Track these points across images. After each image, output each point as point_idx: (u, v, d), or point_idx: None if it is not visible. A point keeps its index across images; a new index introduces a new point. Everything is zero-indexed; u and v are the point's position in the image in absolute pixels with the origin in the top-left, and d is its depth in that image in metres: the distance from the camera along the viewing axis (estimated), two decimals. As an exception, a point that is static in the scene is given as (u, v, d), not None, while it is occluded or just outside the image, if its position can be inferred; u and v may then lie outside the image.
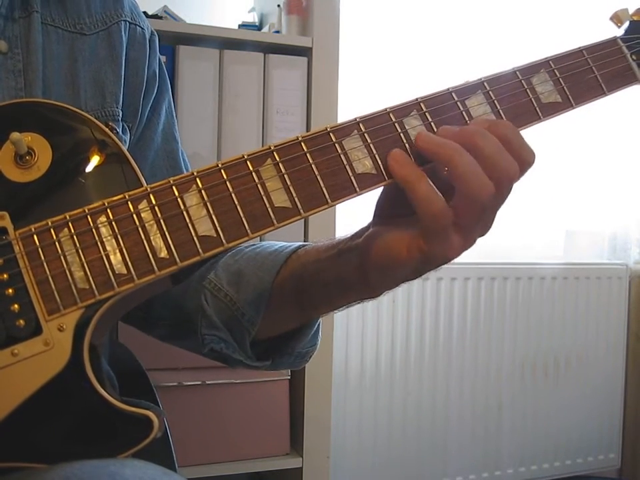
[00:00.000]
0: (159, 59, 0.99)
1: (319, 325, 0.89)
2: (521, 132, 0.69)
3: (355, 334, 2.20)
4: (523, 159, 0.67)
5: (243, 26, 1.96)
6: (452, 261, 0.68)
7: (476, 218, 0.65)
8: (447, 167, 0.64)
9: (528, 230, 2.56)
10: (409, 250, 0.66)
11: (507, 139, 0.66)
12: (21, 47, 0.84)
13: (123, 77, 0.92)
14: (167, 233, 0.62)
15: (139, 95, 0.94)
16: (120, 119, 0.91)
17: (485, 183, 0.64)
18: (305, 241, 1.69)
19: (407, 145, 0.67)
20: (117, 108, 0.90)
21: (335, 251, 0.77)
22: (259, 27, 2.04)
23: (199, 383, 1.75)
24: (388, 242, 0.68)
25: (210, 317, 0.87)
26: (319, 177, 0.64)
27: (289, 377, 1.86)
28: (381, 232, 0.70)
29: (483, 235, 0.69)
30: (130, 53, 0.93)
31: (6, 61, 0.82)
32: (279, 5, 1.89)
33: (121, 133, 0.91)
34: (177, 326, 0.92)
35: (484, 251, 2.45)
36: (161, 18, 1.76)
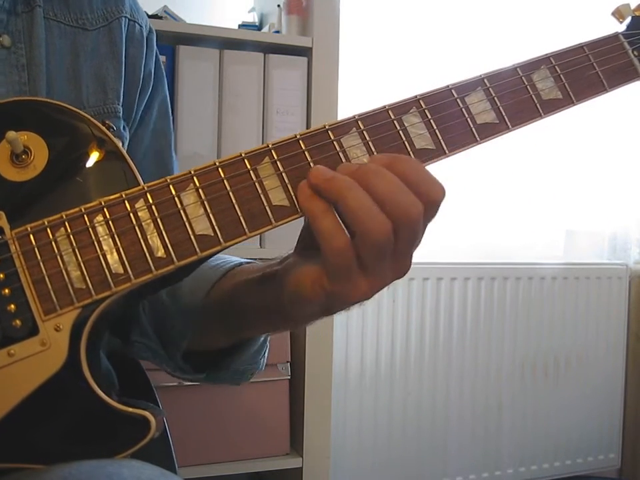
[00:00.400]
0: (157, 56, 0.99)
1: (262, 345, 0.87)
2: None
3: (355, 334, 2.20)
4: (427, 197, 0.62)
5: (243, 26, 1.96)
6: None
7: (376, 258, 0.61)
8: (337, 202, 0.61)
9: (528, 230, 2.56)
10: (312, 286, 0.63)
11: (405, 176, 0.61)
12: (24, 41, 0.83)
13: (123, 73, 0.91)
14: (163, 232, 0.61)
15: (134, 93, 0.93)
16: (121, 115, 0.90)
17: (379, 220, 0.60)
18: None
19: (405, 143, 0.67)
20: (118, 104, 0.90)
21: (261, 274, 0.75)
22: (259, 27, 2.04)
23: (198, 383, 1.74)
24: (297, 275, 0.66)
25: (143, 324, 0.87)
26: None
27: (289, 377, 1.86)
28: (296, 263, 0.68)
29: (398, 277, 0.65)
30: (128, 50, 0.93)
31: (9, 55, 0.82)
32: (278, 5, 1.89)
33: (122, 130, 0.90)
34: (117, 330, 0.92)
35: (484, 250, 2.45)
36: (161, 18, 1.76)
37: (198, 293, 0.83)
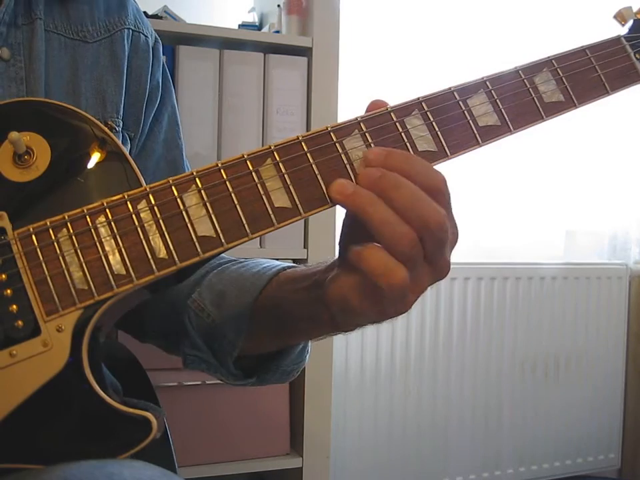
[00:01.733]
0: (164, 66, 0.98)
1: (306, 342, 0.87)
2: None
3: (355, 334, 2.19)
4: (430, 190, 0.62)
5: (243, 26, 1.96)
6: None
7: (409, 267, 0.61)
8: (359, 217, 0.61)
9: (528, 230, 2.56)
10: (360, 301, 0.64)
11: (403, 172, 0.62)
12: (23, 54, 0.83)
13: (124, 86, 0.91)
14: (166, 233, 0.61)
15: (141, 104, 0.93)
16: (120, 129, 0.90)
17: (403, 232, 0.60)
18: (304, 242, 1.70)
19: (407, 145, 0.67)
20: (118, 118, 0.90)
21: (310, 282, 0.75)
22: (259, 27, 2.04)
23: (199, 382, 1.74)
24: (343, 288, 0.65)
25: (192, 337, 0.87)
26: (319, 177, 0.64)
27: (289, 377, 1.86)
28: (340, 274, 0.67)
29: (439, 278, 0.65)
30: (133, 61, 0.93)
31: (8, 68, 0.82)
32: (279, 5, 1.89)
33: (122, 140, 0.90)
34: (165, 338, 0.92)
35: (484, 250, 2.45)
36: (161, 18, 1.76)
37: (245, 302, 0.82)
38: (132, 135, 0.93)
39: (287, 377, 0.89)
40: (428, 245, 0.62)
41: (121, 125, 0.90)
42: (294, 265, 0.86)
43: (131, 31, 0.93)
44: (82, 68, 0.88)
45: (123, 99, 0.91)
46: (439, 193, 0.63)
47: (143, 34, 0.95)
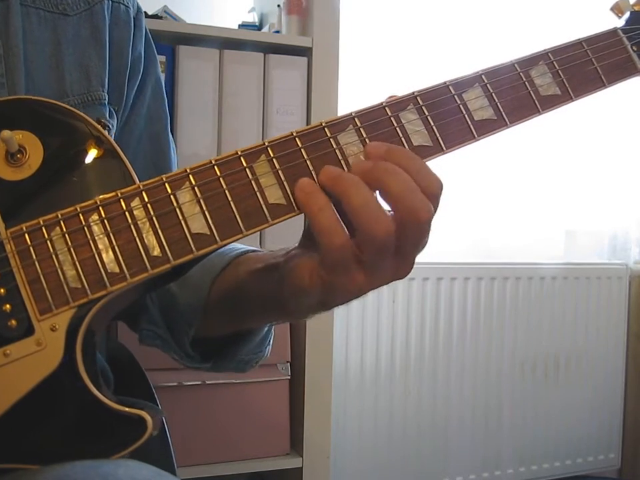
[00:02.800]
0: (147, 36, 0.96)
1: (267, 333, 0.87)
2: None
3: (355, 334, 2.20)
4: (427, 191, 0.62)
5: (243, 26, 1.96)
6: (406, 277, 0.65)
7: (377, 255, 0.61)
8: (341, 200, 0.61)
9: (528, 230, 2.56)
10: (310, 276, 0.64)
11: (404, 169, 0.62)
12: (0, 32, 0.81)
13: (107, 59, 0.89)
14: (159, 231, 0.61)
15: (123, 77, 0.91)
16: (106, 102, 0.88)
17: (381, 220, 0.60)
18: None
19: (403, 140, 0.67)
20: (103, 91, 0.88)
21: (265, 264, 0.75)
22: (259, 27, 2.04)
23: (198, 382, 1.74)
24: (296, 266, 0.66)
25: (151, 312, 0.87)
26: (313, 173, 0.63)
27: (289, 377, 1.86)
28: (298, 254, 0.68)
29: (399, 278, 0.65)
30: (113, 33, 0.90)
31: None
32: (279, 5, 1.89)
33: (107, 117, 0.88)
34: (129, 317, 0.92)
35: (484, 250, 2.45)
36: (160, 18, 1.76)
37: (205, 280, 0.82)
38: (116, 109, 0.91)
39: (244, 367, 0.89)
40: (406, 239, 0.61)
41: (107, 98, 0.88)
42: (258, 249, 0.86)
43: (111, 1, 0.91)
44: (64, 42, 0.86)
45: (107, 72, 0.89)
46: (433, 196, 0.62)
47: (124, 4, 0.92)
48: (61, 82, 0.85)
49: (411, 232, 0.61)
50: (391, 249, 0.61)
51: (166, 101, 0.99)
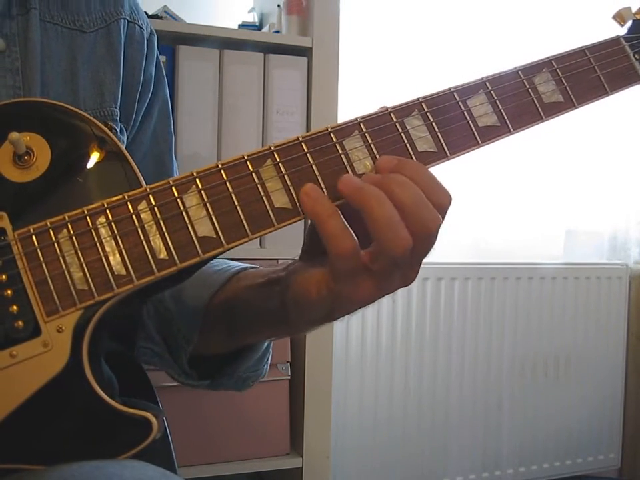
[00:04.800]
0: (157, 59, 0.98)
1: (265, 351, 0.87)
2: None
3: (355, 334, 2.20)
4: (437, 206, 0.63)
5: (243, 26, 1.96)
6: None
7: (389, 268, 0.62)
8: (363, 213, 0.61)
9: (528, 230, 2.56)
10: (317, 290, 0.64)
11: (415, 182, 0.63)
12: (19, 44, 0.83)
13: (121, 76, 0.91)
14: (166, 234, 0.61)
15: (133, 96, 0.93)
16: (118, 119, 0.90)
17: (402, 236, 0.60)
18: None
19: (407, 146, 0.67)
20: (116, 108, 0.89)
21: (263, 280, 0.76)
22: (259, 27, 2.04)
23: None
24: (301, 279, 0.66)
25: (148, 329, 0.87)
26: (319, 178, 0.64)
27: (289, 377, 1.86)
28: (301, 268, 0.69)
29: (404, 285, 0.65)
30: (127, 52, 0.92)
31: (4, 59, 0.82)
32: (278, 5, 1.89)
33: (119, 133, 0.90)
34: (118, 334, 0.91)
35: (484, 250, 2.46)
36: (160, 18, 1.76)
37: (202, 297, 0.82)
38: (125, 127, 0.92)
39: (242, 385, 0.89)
40: (415, 252, 0.62)
41: (119, 115, 0.90)
42: (255, 266, 0.87)
43: (126, 21, 0.92)
44: (79, 58, 0.87)
45: (120, 89, 0.90)
46: (442, 209, 0.63)
47: (138, 25, 0.94)
48: (75, 96, 0.86)
49: (420, 243, 0.62)
50: (406, 263, 0.62)
51: (172, 122, 1.00)
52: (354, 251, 0.61)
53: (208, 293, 0.82)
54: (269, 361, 0.90)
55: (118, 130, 0.90)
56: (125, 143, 0.92)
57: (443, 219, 0.63)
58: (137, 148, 0.95)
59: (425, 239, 0.62)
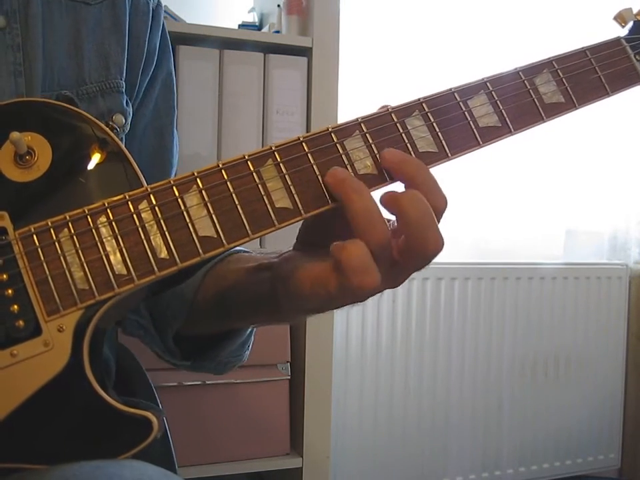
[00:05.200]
0: (163, 30, 0.97)
1: (248, 338, 0.87)
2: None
3: (354, 334, 2.20)
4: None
5: (243, 26, 1.96)
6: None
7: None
8: (344, 206, 0.61)
9: (528, 229, 2.56)
10: (312, 285, 0.63)
11: (414, 182, 0.63)
12: (19, 21, 0.82)
13: (126, 48, 0.90)
14: (167, 234, 0.61)
15: (137, 68, 0.92)
16: (124, 90, 0.89)
17: (378, 226, 0.60)
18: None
19: (408, 146, 0.67)
20: (121, 80, 0.89)
21: (255, 264, 0.75)
22: (259, 27, 2.04)
23: (199, 382, 1.75)
24: (296, 271, 0.65)
25: None
26: (320, 178, 0.64)
27: (289, 377, 1.86)
28: (295, 257, 0.68)
29: (393, 287, 0.66)
30: (132, 23, 0.92)
31: (4, 36, 0.81)
32: (279, 5, 1.89)
33: (124, 105, 0.89)
34: None
35: (484, 250, 2.46)
36: (160, 17, 1.76)
37: (195, 276, 0.83)
38: (129, 99, 0.92)
39: (223, 369, 0.89)
40: (409, 262, 0.63)
41: (124, 87, 0.89)
42: (249, 250, 0.87)
43: None
44: (84, 31, 0.87)
45: (125, 61, 0.90)
46: (439, 214, 0.63)
47: None
48: (80, 69, 0.86)
49: (416, 259, 0.63)
50: (388, 260, 0.62)
51: (175, 95, 0.99)
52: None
53: (202, 271, 0.82)
54: (250, 347, 0.89)
55: (124, 102, 0.89)
56: (131, 114, 0.92)
57: (438, 221, 0.63)
58: (139, 119, 0.95)
59: (422, 256, 0.62)
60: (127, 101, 0.90)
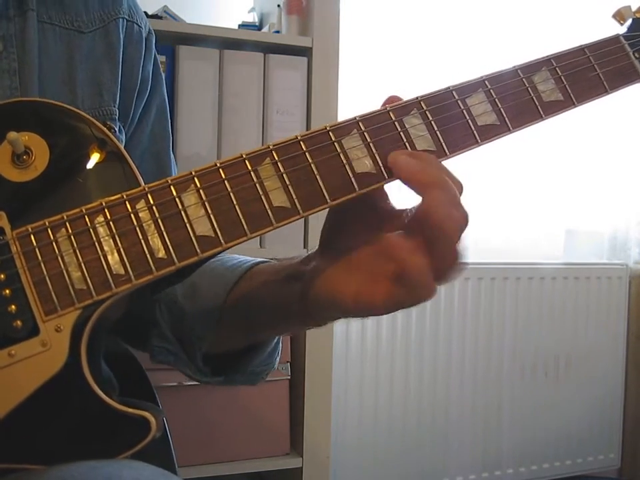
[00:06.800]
0: (155, 58, 0.98)
1: (276, 344, 0.87)
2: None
3: (355, 334, 2.20)
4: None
5: (243, 26, 1.96)
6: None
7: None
8: (426, 198, 0.62)
9: (528, 230, 2.56)
10: (355, 300, 0.63)
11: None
12: (16, 45, 0.83)
13: (120, 76, 0.91)
14: (164, 233, 0.61)
15: (131, 95, 0.93)
16: (117, 117, 0.90)
17: (453, 215, 0.61)
18: (304, 242, 1.70)
19: (406, 144, 0.67)
20: (114, 107, 0.89)
21: (282, 276, 0.75)
22: (259, 27, 2.04)
23: (198, 383, 1.74)
24: (335, 285, 0.65)
25: (162, 328, 0.87)
26: (318, 177, 0.64)
27: (289, 377, 1.86)
28: (326, 269, 0.68)
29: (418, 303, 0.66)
30: (126, 51, 0.92)
31: (0, 60, 0.82)
32: (279, 5, 1.89)
33: (118, 132, 0.90)
34: (135, 329, 0.91)
35: (484, 250, 2.45)
36: (160, 18, 1.76)
37: (217, 294, 0.82)
38: (123, 126, 0.92)
39: (256, 379, 0.89)
40: (437, 254, 0.62)
41: (118, 114, 0.90)
42: (268, 260, 0.86)
43: (125, 20, 0.92)
44: (77, 58, 0.87)
45: (119, 88, 0.90)
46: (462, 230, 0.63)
47: (137, 24, 0.94)
48: (73, 95, 0.86)
49: (444, 268, 0.62)
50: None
51: (169, 121, 1.00)
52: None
53: (223, 291, 0.82)
54: (280, 353, 0.90)
55: (117, 129, 0.90)
56: (124, 142, 0.92)
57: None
58: (135, 146, 0.95)
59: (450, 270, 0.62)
60: (119, 128, 0.91)
